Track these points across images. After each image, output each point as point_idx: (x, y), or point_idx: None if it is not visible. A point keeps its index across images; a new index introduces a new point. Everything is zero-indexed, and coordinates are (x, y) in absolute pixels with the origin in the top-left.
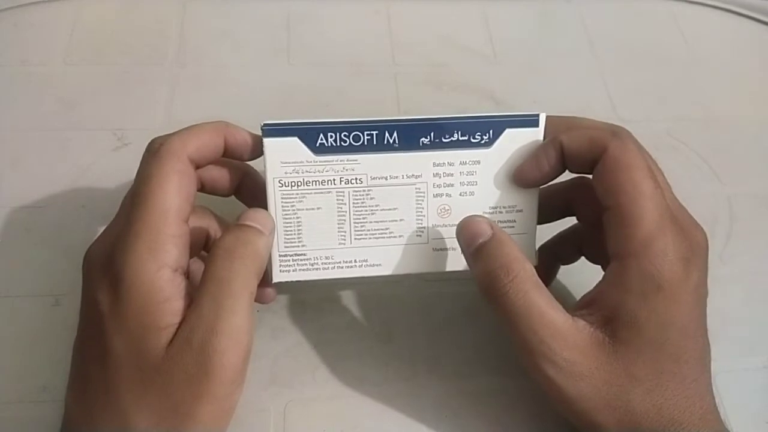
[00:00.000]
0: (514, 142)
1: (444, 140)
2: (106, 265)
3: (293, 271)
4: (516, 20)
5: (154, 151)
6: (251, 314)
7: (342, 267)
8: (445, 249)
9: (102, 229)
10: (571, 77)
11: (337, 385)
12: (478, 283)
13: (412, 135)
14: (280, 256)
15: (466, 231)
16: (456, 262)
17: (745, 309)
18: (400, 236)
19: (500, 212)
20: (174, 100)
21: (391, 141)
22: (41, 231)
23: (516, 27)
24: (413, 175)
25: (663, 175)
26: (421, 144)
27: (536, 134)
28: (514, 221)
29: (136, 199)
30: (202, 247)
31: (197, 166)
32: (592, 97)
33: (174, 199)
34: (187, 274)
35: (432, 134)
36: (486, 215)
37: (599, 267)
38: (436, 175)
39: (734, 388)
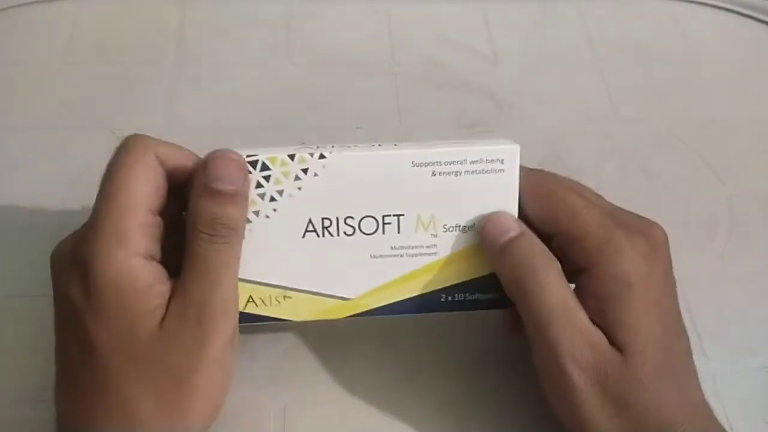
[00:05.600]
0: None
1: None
2: (73, 259)
3: None
4: (516, 20)
5: (121, 145)
6: (236, 282)
7: None
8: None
9: None
10: (571, 77)
11: (337, 386)
12: (507, 280)
13: None
14: None
15: (491, 225)
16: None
17: (745, 309)
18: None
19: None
20: (174, 100)
21: None
22: (41, 231)
23: (516, 27)
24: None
25: (590, 190)
26: None
27: None
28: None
29: (101, 191)
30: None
31: (169, 171)
32: (592, 97)
33: (140, 188)
34: (162, 260)
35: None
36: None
37: None
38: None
39: (734, 388)
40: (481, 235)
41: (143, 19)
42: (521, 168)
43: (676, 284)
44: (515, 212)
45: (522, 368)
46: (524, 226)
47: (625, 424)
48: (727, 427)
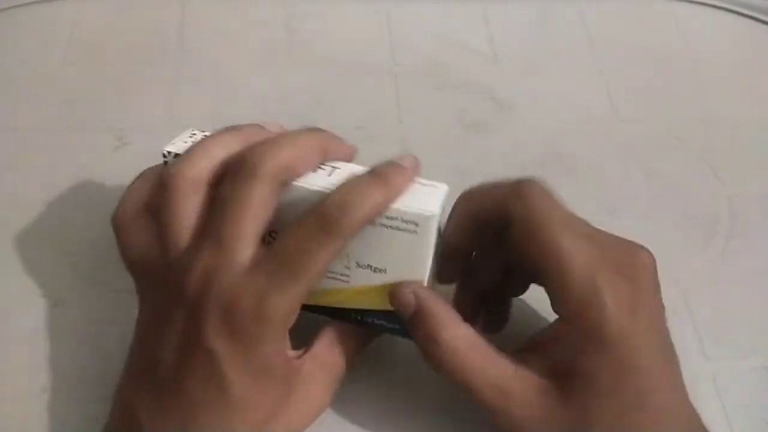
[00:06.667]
0: None
1: None
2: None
3: None
4: (516, 20)
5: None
6: None
7: None
8: None
9: (102, 227)
10: (571, 77)
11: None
12: (420, 349)
13: None
14: None
15: (395, 302)
16: None
17: (745, 309)
18: None
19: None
20: (174, 100)
21: None
22: (41, 231)
23: (516, 27)
24: None
25: (575, 216)
26: None
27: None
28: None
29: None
30: None
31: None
32: (592, 97)
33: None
34: None
35: None
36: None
37: None
38: None
39: (734, 388)
40: (392, 304)
41: (143, 19)
42: (508, 181)
43: (663, 308)
44: (425, 275)
45: None
46: (420, 295)
47: None
48: (727, 427)
